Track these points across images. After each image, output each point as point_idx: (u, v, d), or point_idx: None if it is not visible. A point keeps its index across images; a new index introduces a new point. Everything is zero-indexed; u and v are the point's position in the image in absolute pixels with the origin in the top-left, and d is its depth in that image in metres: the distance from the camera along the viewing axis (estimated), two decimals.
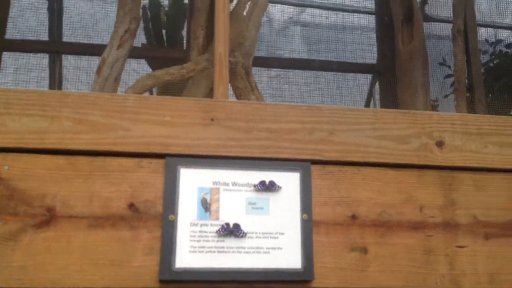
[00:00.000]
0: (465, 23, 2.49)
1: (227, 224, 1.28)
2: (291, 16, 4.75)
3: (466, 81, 2.54)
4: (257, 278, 1.26)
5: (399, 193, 1.37)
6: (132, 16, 1.90)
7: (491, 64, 4.15)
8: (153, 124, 1.34)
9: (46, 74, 3.63)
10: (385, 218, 1.35)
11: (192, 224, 1.28)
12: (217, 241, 1.27)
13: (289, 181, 1.34)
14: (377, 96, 4.69)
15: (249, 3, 2.31)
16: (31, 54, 3.62)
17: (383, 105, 3.06)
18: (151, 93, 3.33)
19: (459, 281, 1.33)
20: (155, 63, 3.70)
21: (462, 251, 1.36)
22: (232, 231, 1.28)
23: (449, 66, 4.15)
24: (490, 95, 3.82)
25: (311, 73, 4.07)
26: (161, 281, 1.23)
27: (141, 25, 3.96)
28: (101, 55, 3.64)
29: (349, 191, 1.35)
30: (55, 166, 1.28)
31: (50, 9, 3.71)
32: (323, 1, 4.66)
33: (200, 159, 1.33)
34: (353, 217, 1.34)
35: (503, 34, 4.69)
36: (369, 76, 4.31)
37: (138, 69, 3.80)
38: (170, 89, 2.36)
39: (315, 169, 1.36)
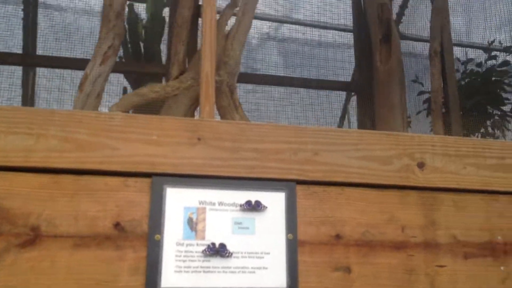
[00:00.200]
0: (441, 45, 2.55)
1: (213, 244, 1.29)
2: (267, 31, 4.80)
3: (442, 100, 2.60)
4: None
5: (381, 213, 1.40)
6: (116, 32, 1.90)
7: (463, 83, 4.24)
8: (140, 143, 1.34)
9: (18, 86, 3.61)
10: (368, 238, 1.37)
11: (178, 244, 1.28)
12: (203, 261, 1.28)
13: (275, 201, 1.35)
14: (351, 112, 4.76)
15: (229, 20, 2.33)
16: (5, 67, 3.59)
17: (360, 122, 3.10)
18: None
19: None
20: (133, 77, 3.70)
21: (442, 271, 1.39)
22: (218, 251, 1.28)
23: (421, 83, 4.23)
24: (462, 113, 3.90)
25: (284, 88, 4.11)
26: None
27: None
28: (73, 69, 3.63)
29: (333, 211, 1.37)
30: (40, 184, 1.27)
31: (25, 21, 3.68)
32: (299, 18, 4.72)
33: (186, 178, 1.34)
34: (337, 236, 1.36)
35: (475, 53, 4.80)
36: (343, 93, 4.38)
37: (114, 81, 3.79)
38: (146, 107, 2.36)
39: (300, 189, 1.38)
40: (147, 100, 1.74)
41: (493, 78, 4.34)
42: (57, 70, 3.76)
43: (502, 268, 1.40)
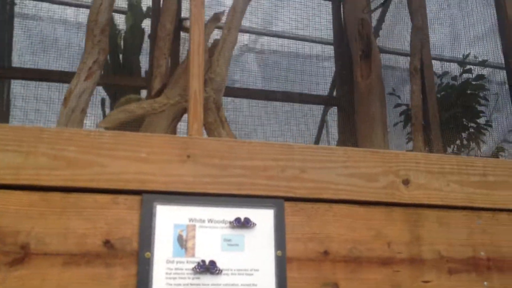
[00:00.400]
0: (421, 62, 2.60)
1: (203, 261, 1.30)
2: (246, 43, 4.81)
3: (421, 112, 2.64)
4: None
5: (368, 229, 1.42)
6: (101, 47, 1.90)
7: (438, 96, 4.31)
8: (130, 160, 1.35)
9: None
10: (355, 254, 1.39)
11: (168, 262, 1.29)
12: (193, 278, 1.28)
13: (264, 218, 1.37)
14: (329, 122, 4.80)
15: (212, 34, 2.35)
16: None
17: (341, 136, 3.14)
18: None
19: None
20: (113, 89, 3.68)
21: (427, 286, 1.41)
22: (208, 268, 1.29)
23: (398, 96, 4.28)
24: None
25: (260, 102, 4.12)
26: None
27: None
28: (50, 81, 3.60)
29: (321, 227, 1.39)
30: (29, 202, 1.27)
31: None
32: (278, 30, 4.74)
33: (176, 196, 1.35)
34: (325, 253, 1.37)
35: (450, 67, 4.87)
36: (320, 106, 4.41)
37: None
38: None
39: (288, 206, 1.39)
40: (134, 117, 1.74)
41: (468, 92, 4.41)
42: (33, 82, 3.72)
43: (485, 283, 1.43)
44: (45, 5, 4.07)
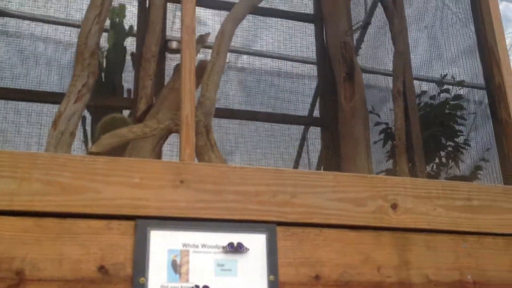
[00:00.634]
0: (404, 85, 2.66)
1: (197, 287, 1.31)
2: (227, 61, 4.83)
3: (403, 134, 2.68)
4: None
5: (358, 254, 1.45)
6: (90, 70, 1.92)
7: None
8: (123, 186, 1.36)
9: None
10: (346, 278, 1.42)
11: (163, 287, 1.30)
12: None
13: (256, 243, 1.39)
14: (310, 141, 4.84)
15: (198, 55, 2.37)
16: None
17: (325, 158, 3.18)
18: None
19: None
20: (94, 107, 3.67)
21: None
22: None
23: (378, 115, 4.34)
24: None
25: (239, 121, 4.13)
26: None
27: None
28: (30, 101, 3.58)
29: (312, 252, 1.42)
30: (23, 228, 1.27)
31: None
32: (259, 49, 4.78)
33: (169, 221, 1.36)
34: (317, 277, 1.40)
35: (428, 86, 4.95)
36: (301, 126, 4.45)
37: None
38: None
39: (280, 231, 1.42)
40: (125, 141, 1.76)
41: (446, 111, 4.48)
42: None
43: None
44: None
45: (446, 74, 4.93)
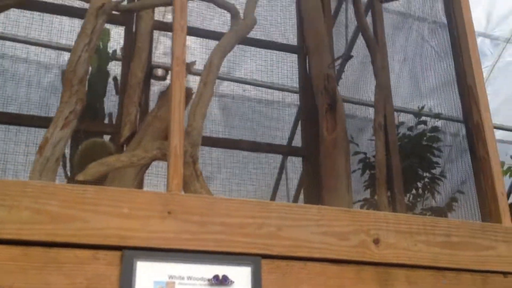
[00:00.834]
0: (385, 119, 2.72)
1: None
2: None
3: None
4: None
5: None
6: (78, 97, 1.93)
7: None
8: (111, 216, 1.37)
9: None
10: None
11: None
12: None
13: (241, 275, 1.40)
14: (289, 169, 4.86)
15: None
16: None
17: (306, 189, 3.21)
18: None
19: None
20: (75, 133, 3.66)
21: None
22: None
23: (356, 144, 4.39)
24: None
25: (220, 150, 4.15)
26: None
27: (60, 90, 3.93)
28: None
29: (296, 285, 1.44)
30: (10, 257, 1.28)
31: None
32: (241, 76, 4.83)
33: (156, 252, 1.37)
34: None
35: (405, 117, 5.03)
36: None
37: None
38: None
39: (265, 263, 1.44)
40: (113, 169, 1.77)
41: (424, 143, 4.55)
42: None
43: None
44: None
45: (424, 106, 5.01)
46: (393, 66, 4.69)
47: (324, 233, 1.51)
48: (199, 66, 3.07)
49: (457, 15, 2.09)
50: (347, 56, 3.34)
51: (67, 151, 3.52)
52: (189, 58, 2.96)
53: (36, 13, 3.80)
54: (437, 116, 4.85)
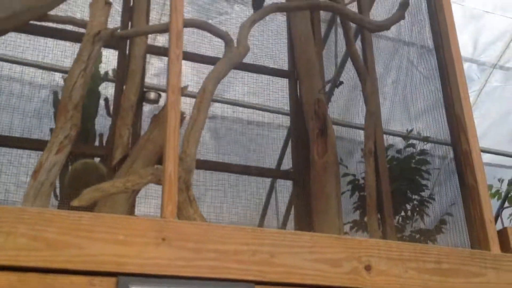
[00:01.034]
0: (375, 145, 2.76)
1: None
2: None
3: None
4: None
5: None
6: (73, 123, 1.96)
7: None
8: (107, 242, 1.39)
9: None
10: None
11: None
12: None
13: None
14: (278, 191, 4.88)
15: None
16: None
17: (296, 213, 3.24)
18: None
19: None
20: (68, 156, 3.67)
21: None
22: None
23: (346, 166, 4.43)
24: None
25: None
26: None
27: (51, 111, 3.95)
28: None
29: None
30: (7, 283, 1.28)
31: None
32: (231, 98, 4.86)
33: (151, 278, 1.39)
34: None
35: (394, 140, 5.07)
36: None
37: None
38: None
39: None
40: (107, 195, 1.79)
41: (412, 165, 4.59)
42: None
43: None
44: None
45: (412, 129, 5.06)
46: (382, 89, 4.75)
47: (316, 260, 1.53)
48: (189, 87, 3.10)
49: (445, 44, 2.14)
50: (337, 83, 3.39)
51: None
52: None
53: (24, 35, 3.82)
54: (426, 139, 4.90)
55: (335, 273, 1.53)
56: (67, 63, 3.99)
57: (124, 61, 3.17)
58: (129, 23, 3.21)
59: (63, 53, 3.98)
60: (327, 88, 3.53)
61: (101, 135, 3.91)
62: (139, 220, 1.45)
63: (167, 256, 1.42)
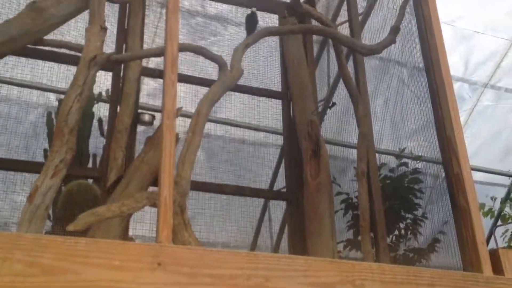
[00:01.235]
0: (367, 166, 2.78)
1: None
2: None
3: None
4: None
5: None
6: (69, 146, 1.97)
7: None
8: (103, 268, 1.39)
9: None
10: None
11: None
12: None
13: None
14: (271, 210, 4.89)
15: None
16: None
17: (290, 234, 3.25)
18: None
19: None
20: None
21: None
22: None
23: (339, 185, 4.44)
24: None
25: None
26: None
27: (45, 131, 3.96)
28: None
29: None
30: None
31: None
32: (223, 117, 4.88)
33: None
34: None
35: (386, 158, 5.09)
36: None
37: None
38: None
39: None
40: (103, 219, 1.80)
41: (405, 184, 4.61)
42: None
43: None
44: None
45: (405, 148, 5.08)
46: (375, 109, 4.79)
47: (311, 284, 1.54)
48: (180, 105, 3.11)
49: (436, 69, 2.18)
50: (330, 104, 3.42)
51: None
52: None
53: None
54: (418, 158, 4.92)
55: None
56: (61, 83, 4.03)
57: (118, 84, 3.19)
58: (124, 46, 3.23)
59: (58, 74, 4.00)
60: (320, 108, 3.56)
61: (94, 156, 3.92)
62: (134, 245, 1.46)
63: (163, 281, 1.42)
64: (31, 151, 4.02)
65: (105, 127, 3.69)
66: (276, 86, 4.05)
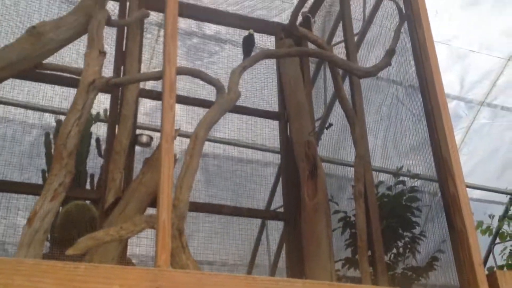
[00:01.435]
0: (364, 187, 2.80)
1: None
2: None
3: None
4: None
5: None
6: (68, 170, 1.99)
7: None
8: None
9: None
10: None
11: None
12: None
13: None
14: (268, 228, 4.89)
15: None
16: None
17: (288, 253, 3.25)
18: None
19: None
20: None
21: None
22: None
23: (336, 203, 4.44)
24: None
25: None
26: None
27: (43, 151, 3.97)
28: None
29: None
30: None
31: None
32: (221, 137, 4.89)
33: None
34: None
35: (383, 176, 5.10)
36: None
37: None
38: None
39: None
40: (102, 243, 1.81)
41: (403, 203, 4.61)
42: None
43: None
44: None
45: (402, 166, 5.09)
46: (371, 127, 4.81)
47: None
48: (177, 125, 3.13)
49: (431, 91, 2.20)
50: (326, 124, 3.45)
51: None
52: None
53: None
54: (415, 176, 4.93)
55: None
56: (59, 103, 4.05)
57: (116, 105, 3.22)
58: (122, 68, 3.26)
59: (55, 95, 4.02)
60: (317, 127, 3.59)
61: (92, 176, 3.92)
62: (133, 270, 1.47)
63: None
64: (29, 171, 4.02)
65: (103, 146, 3.71)
66: (273, 106, 4.07)
